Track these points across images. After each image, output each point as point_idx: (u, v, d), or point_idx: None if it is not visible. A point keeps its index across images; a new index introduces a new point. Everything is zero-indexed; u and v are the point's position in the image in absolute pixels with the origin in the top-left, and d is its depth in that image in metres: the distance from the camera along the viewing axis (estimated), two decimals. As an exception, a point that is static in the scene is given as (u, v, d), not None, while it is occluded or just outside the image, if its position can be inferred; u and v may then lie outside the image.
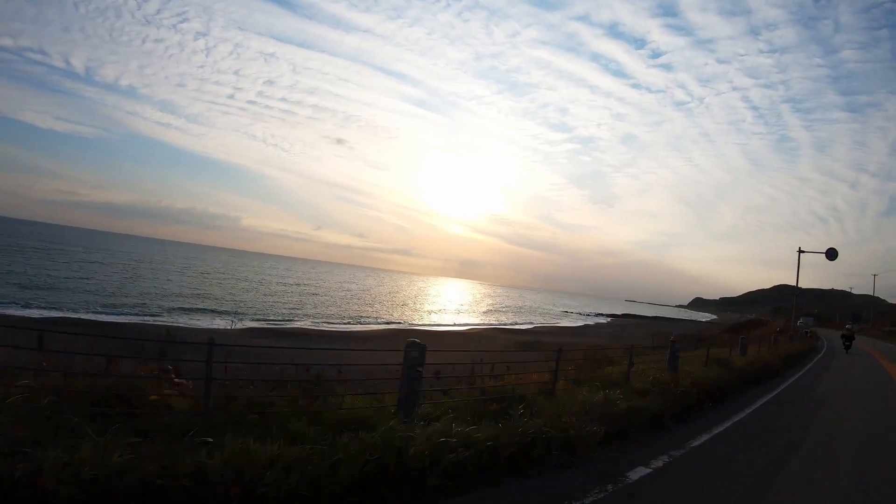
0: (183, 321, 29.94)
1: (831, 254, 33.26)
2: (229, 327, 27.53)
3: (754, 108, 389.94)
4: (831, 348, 34.32)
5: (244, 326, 29.38)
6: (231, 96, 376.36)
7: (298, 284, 79.21)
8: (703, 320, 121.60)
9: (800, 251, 35.20)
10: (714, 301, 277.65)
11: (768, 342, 23.70)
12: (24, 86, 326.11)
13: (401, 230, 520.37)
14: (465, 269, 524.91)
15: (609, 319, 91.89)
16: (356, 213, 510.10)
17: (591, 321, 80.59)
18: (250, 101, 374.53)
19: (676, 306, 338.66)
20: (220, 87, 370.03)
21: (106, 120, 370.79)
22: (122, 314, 30.44)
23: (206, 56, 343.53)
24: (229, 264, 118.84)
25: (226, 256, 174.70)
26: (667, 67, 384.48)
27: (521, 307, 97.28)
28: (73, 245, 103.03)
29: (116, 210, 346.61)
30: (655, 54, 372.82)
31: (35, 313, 26.49)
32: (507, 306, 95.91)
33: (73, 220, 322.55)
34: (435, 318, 53.68)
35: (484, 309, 79.27)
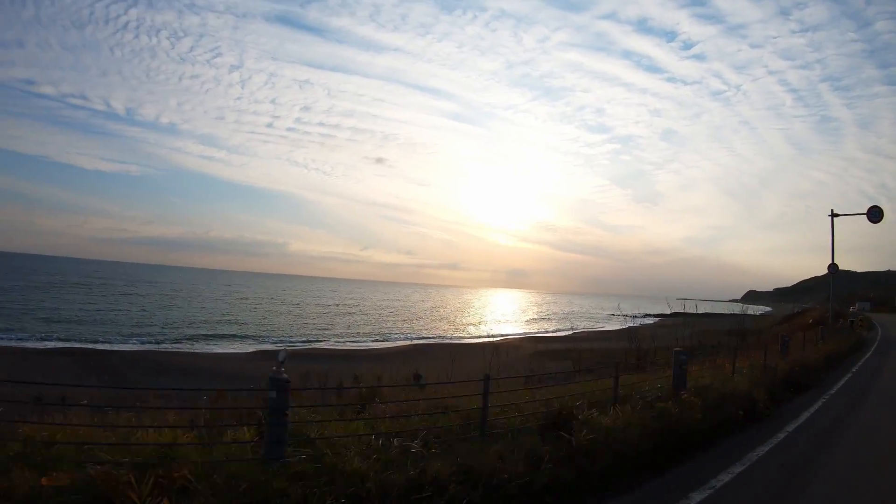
0: (199, 347, 30.70)
1: (874, 214, 27.04)
2: (240, 352, 28.40)
3: (793, 91, 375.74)
4: (888, 341, 28.46)
5: (256, 349, 29.85)
6: (270, 125, 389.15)
7: (336, 305, 79.75)
8: (756, 313, 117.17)
9: (833, 215, 29.35)
10: (768, 293, 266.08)
11: (780, 347, 15.24)
12: (68, 130, 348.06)
13: (448, 245, 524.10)
14: (513, 278, 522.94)
15: (657, 319, 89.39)
16: (402, 230, 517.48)
17: (636, 323, 78.34)
18: (289, 129, 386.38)
19: (730, 301, 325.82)
20: (258, 117, 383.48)
21: (150, 157, 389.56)
22: (134, 342, 31.12)
23: (242, 88, 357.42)
24: (272, 289, 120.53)
25: (271, 282, 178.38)
26: (700, 58, 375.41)
27: (567, 313, 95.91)
28: (117, 279, 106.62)
29: (166, 244, 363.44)
30: (687, 45, 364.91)
31: (50, 345, 27.33)
32: (553, 313, 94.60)
33: (125, 255, 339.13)
34: (472, 331, 53.48)
35: (528, 318, 78.52)
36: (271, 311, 61.14)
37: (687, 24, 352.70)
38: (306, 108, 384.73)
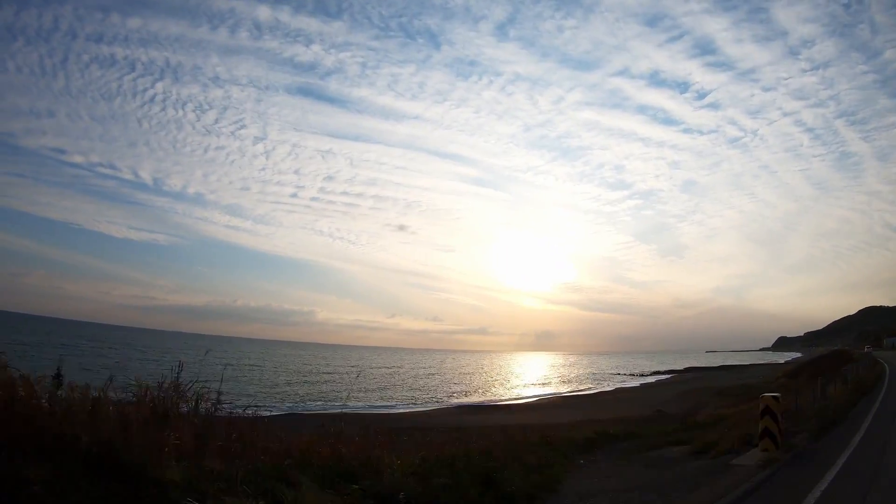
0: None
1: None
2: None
3: (809, 130, 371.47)
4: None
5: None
6: (294, 195, 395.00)
7: (344, 371, 75.20)
8: (781, 361, 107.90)
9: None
10: (799, 337, 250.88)
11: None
12: (97, 199, 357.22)
13: (475, 309, 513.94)
14: (541, 341, 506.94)
15: (668, 377, 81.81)
16: (429, 297, 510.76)
17: (635, 382, 71.66)
18: (313, 198, 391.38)
19: (760, 350, 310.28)
20: (282, 188, 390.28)
21: (178, 227, 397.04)
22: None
23: (267, 158, 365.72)
24: (284, 356, 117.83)
25: (292, 349, 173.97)
26: (714, 106, 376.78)
27: (574, 376, 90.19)
28: (127, 343, 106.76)
29: (193, 312, 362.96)
30: (701, 95, 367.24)
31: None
32: (558, 376, 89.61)
33: (151, 322, 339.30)
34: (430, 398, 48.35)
35: (524, 382, 72.40)
36: (264, 375, 59.16)
37: (699, 74, 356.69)
38: (329, 178, 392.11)
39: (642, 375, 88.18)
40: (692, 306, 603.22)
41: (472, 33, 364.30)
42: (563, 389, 57.43)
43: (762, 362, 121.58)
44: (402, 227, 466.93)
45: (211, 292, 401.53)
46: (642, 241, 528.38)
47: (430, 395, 47.91)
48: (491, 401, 44.86)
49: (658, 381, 68.82)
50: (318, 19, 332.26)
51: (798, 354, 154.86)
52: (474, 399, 46.13)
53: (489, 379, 78.37)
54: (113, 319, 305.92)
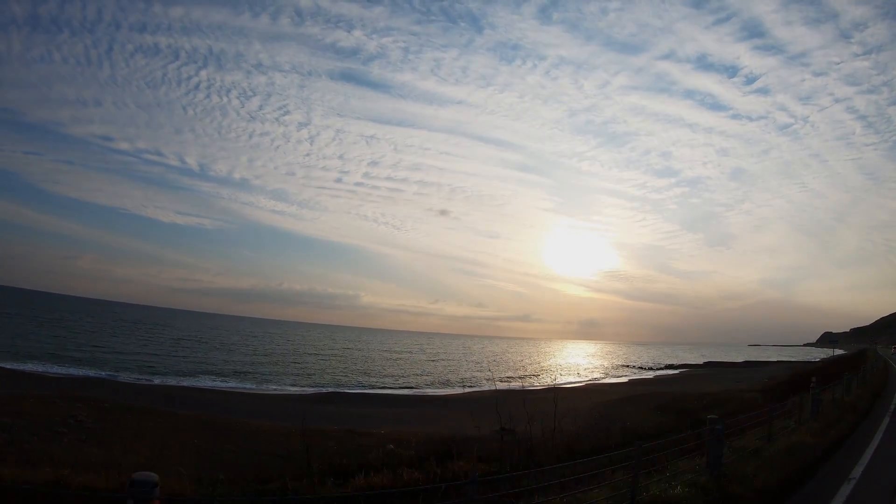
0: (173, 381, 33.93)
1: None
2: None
3: (861, 118, 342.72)
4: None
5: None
6: (339, 180, 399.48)
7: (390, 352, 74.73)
8: (815, 359, 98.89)
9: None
10: (845, 333, 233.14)
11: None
12: (144, 184, 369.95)
13: (519, 296, 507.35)
14: (585, 329, 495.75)
15: (679, 371, 75.72)
16: (473, 283, 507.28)
17: (634, 376, 66.54)
18: (357, 183, 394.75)
19: (804, 345, 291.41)
20: (327, 173, 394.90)
21: (224, 212, 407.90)
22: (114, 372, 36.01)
23: (311, 144, 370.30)
24: (320, 339, 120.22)
25: (332, 332, 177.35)
26: (764, 91, 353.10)
27: (595, 365, 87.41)
28: (169, 324, 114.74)
29: (238, 295, 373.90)
30: (750, 80, 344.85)
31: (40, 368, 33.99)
32: (577, 365, 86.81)
33: (197, 305, 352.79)
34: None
35: (538, 370, 69.05)
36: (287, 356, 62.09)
37: (748, 58, 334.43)
38: (374, 163, 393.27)
39: (651, 369, 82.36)
40: (738, 298, 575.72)
41: (515, 16, 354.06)
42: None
43: (792, 359, 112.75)
44: (443, 212, 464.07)
45: (256, 276, 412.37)
46: (689, 230, 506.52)
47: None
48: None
49: (655, 377, 63.02)
50: (360, 4, 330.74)
51: (842, 351, 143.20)
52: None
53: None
54: (161, 302, 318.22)
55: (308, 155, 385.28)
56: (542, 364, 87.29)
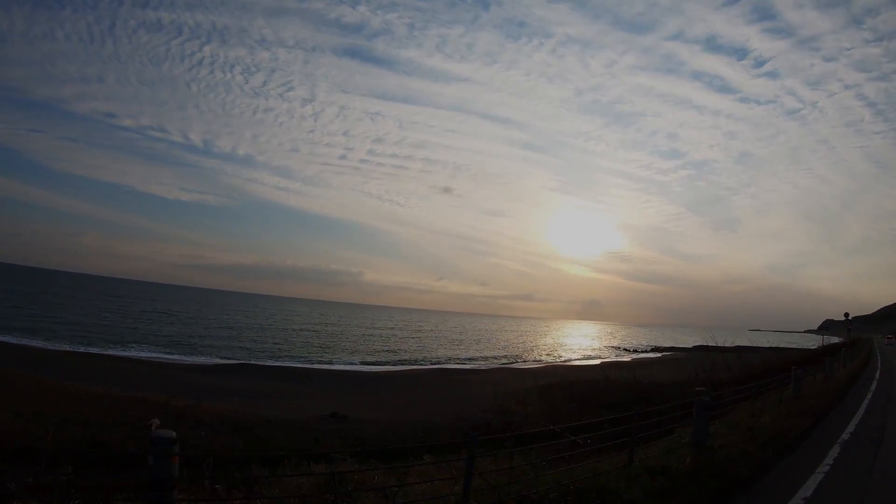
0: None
1: None
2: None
3: (871, 105, 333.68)
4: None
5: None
6: (343, 157, 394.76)
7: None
8: (812, 346, 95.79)
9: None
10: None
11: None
12: (148, 161, 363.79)
13: (522, 275, 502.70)
14: (587, 310, 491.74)
15: (663, 354, 73.18)
16: (476, 261, 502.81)
17: (617, 357, 63.77)
18: (362, 160, 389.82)
19: (804, 331, 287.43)
20: (331, 149, 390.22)
21: (228, 188, 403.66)
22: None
23: (315, 121, 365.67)
24: (309, 315, 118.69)
25: (328, 309, 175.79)
26: (773, 75, 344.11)
27: (582, 346, 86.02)
28: (158, 299, 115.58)
29: (242, 271, 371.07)
30: (759, 63, 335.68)
31: None
32: (564, 345, 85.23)
33: (202, 281, 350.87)
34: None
35: (522, 350, 67.00)
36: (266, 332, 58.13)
37: (757, 40, 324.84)
38: (378, 140, 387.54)
39: (636, 351, 79.79)
40: (742, 282, 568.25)
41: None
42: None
43: (793, 346, 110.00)
44: (448, 190, 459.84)
45: (260, 252, 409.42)
46: (694, 212, 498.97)
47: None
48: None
49: (633, 361, 60.25)
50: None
51: (839, 339, 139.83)
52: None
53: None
54: (165, 279, 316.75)
55: (312, 131, 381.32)
56: (529, 343, 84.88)
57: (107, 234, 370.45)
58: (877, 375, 22.97)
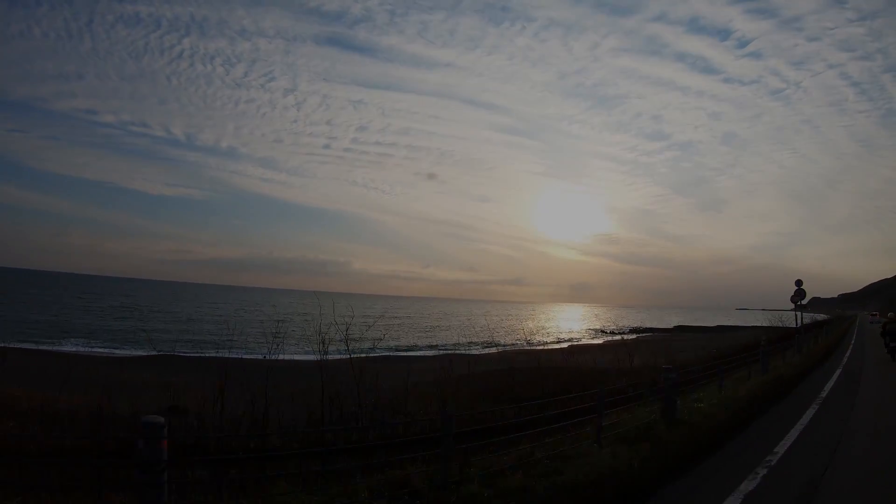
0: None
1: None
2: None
3: (854, 84, 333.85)
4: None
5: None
6: (327, 146, 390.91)
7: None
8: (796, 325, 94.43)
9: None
10: (833, 299, 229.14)
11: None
12: (131, 157, 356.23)
13: (510, 260, 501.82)
14: (576, 293, 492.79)
15: (636, 336, 71.18)
16: (464, 247, 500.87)
17: (593, 340, 62.19)
18: (346, 149, 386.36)
19: (793, 309, 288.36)
20: (314, 139, 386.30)
21: (212, 181, 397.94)
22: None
23: (298, 111, 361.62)
24: (286, 306, 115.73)
25: (311, 299, 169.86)
26: (756, 55, 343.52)
27: (561, 329, 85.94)
28: (131, 295, 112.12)
29: (230, 265, 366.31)
30: (742, 43, 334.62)
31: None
32: (542, 328, 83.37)
33: (190, 276, 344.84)
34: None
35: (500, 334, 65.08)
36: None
37: (740, 21, 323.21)
38: (362, 128, 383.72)
39: (612, 333, 78.00)
40: (729, 262, 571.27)
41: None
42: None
43: (778, 325, 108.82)
44: (433, 176, 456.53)
45: (247, 245, 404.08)
46: (680, 193, 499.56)
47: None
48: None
49: (605, 343, 58.14)
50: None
51: (826, 316, 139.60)
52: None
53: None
54: (152, 275, 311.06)
55: (295, 121, 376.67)
56: (507, 328, 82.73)
57: (92, 232, 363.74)
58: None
